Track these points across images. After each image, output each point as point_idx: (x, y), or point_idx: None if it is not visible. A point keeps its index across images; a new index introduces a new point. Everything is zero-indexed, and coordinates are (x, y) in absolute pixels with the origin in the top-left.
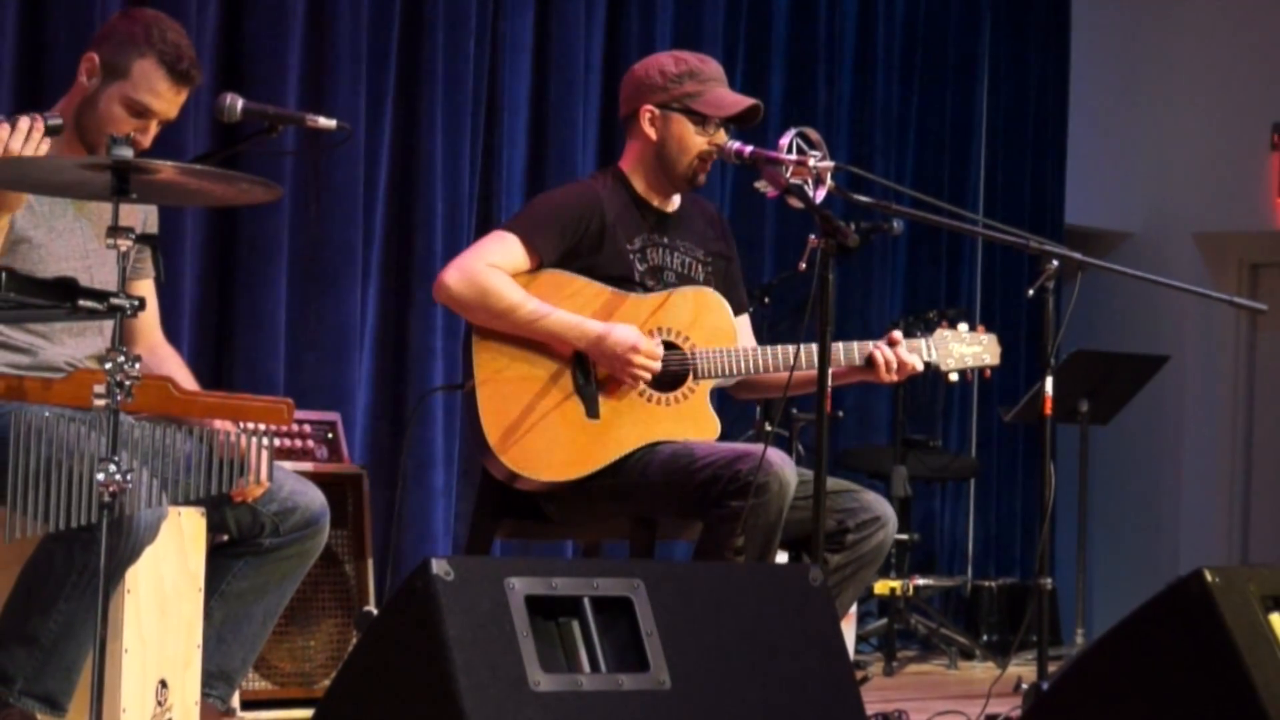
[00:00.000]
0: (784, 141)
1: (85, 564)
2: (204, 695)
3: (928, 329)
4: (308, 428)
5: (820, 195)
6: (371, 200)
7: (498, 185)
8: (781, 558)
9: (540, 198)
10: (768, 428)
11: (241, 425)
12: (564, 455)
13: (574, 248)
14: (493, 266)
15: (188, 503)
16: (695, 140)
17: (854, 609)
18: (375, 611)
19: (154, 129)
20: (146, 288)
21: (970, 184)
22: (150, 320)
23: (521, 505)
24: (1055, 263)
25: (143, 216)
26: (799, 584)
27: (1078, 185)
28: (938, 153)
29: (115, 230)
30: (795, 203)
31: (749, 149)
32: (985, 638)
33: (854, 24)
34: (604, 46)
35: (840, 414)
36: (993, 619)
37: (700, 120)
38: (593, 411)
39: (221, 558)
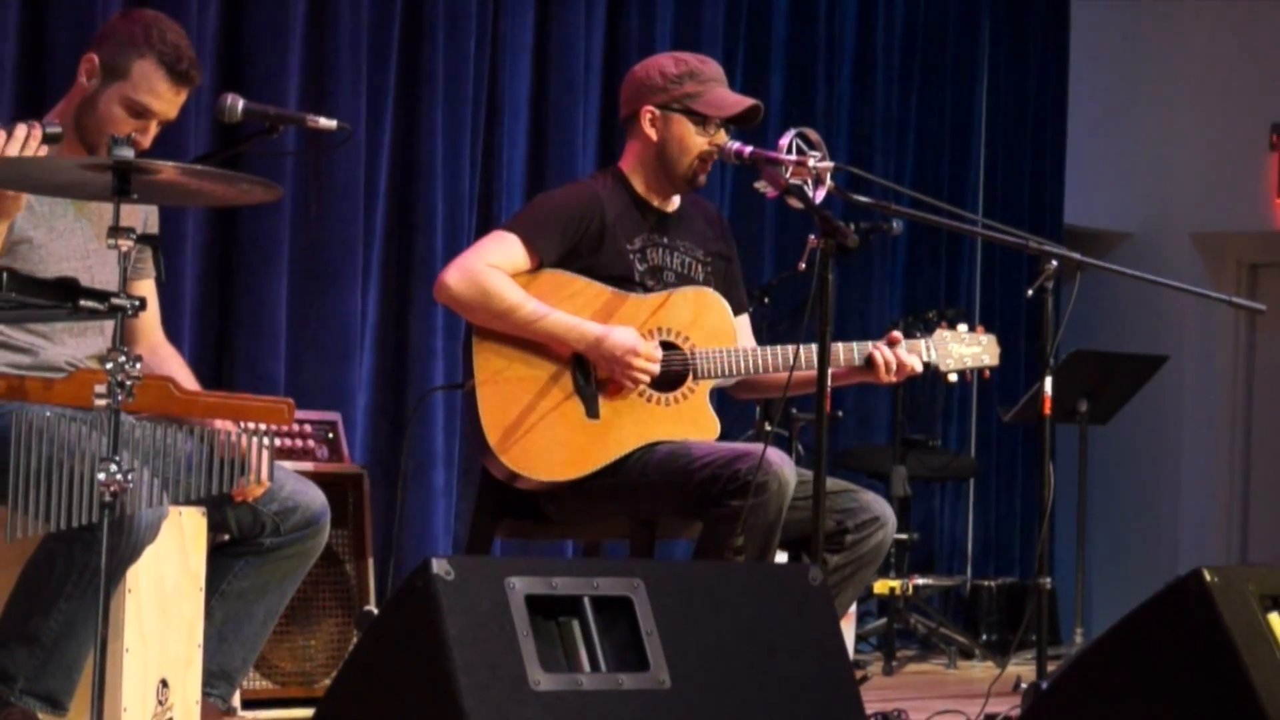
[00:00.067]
0: (784, 142)
1: (86, 563)
2: (205, 694)
3: (927, 329)
4: (308, 427)
5: (820, 195)
6: (372, 200)
7: (498, 185)
8: (781, 557)
9: (540, 198)
10: (767, 428)
11: (242, 425)
12: (564, 455)
13: (574, 248)
14: (493, 267)
15: (189, 502)
16: (695, 141)
17: (853, 609)
18: (376, 611)
19: (154, 129)
20: (147, 288)
21: (969, 184)
22: (151, 320)
23: (521, 505)
24: (1054, 263)
25: (143, 217)
26: (798, 584)
27: (1077, 185)
28: (937, 153)
29: (116, 230)
30: (795, 203)
31: (749, 149)
32: (984, 637)
33: (854, 25)
34: (604, 47)
35: (840, 414)
36: (992, 618)
37: (700, 120)
38: (592, 411)
39: (222, 557)
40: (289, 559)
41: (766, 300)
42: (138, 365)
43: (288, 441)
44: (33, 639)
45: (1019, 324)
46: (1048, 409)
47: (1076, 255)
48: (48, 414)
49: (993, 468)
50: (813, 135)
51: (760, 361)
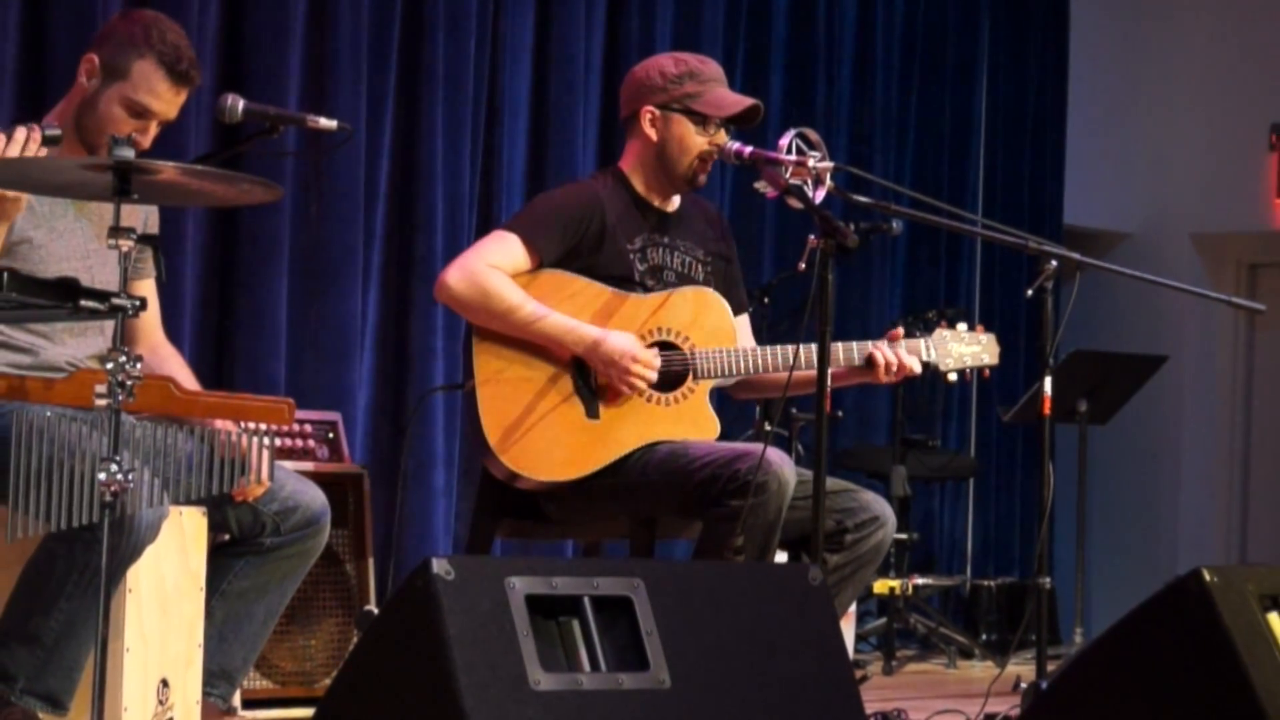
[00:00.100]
0: (783, 142)
1: (87, 563)
2: (205, 694)
3: (927, 329)
4: (309, 427)
5: (820, 196)
6: (372, 200)
7: (498, 185)
8: (781, 557)
9: (541, 197)
10: (767, 427)
11: (242, 425)
12: (564, 455)
13: (574, 247)
14: (494, 267)
15: (189, 502)
16: (696, 140)
17: (853, 608)
18: (376, 611)
19: (154, 129)
20: (147, 287)
21: (969, 184)
22: (151, 320)
23: (522, 505)
24: (1054, 263)
25: (143, 217)
26: (798, 583)
27: (1076, 185)
28: (937, 153)
29: (117, 230)
30: (795, 203)
31: (749, 150)
32: (984, 637)
33: (853, 25)
34: (604, 47)
35: (840, 414)
36: (991, 618)
37: (700, 120)
38: (592, 412)
39: (223, 557)
40: (289, 559)
41: (766, 300)
42: (138, 365)
43: (288, 441)
44: (33, 639)
45: (1019, 324)
46: (1047, 409)
47: (1076, 255)
48: (48, 414)
49: (992, 468)
50: (812, 135)
51: (760, 361)
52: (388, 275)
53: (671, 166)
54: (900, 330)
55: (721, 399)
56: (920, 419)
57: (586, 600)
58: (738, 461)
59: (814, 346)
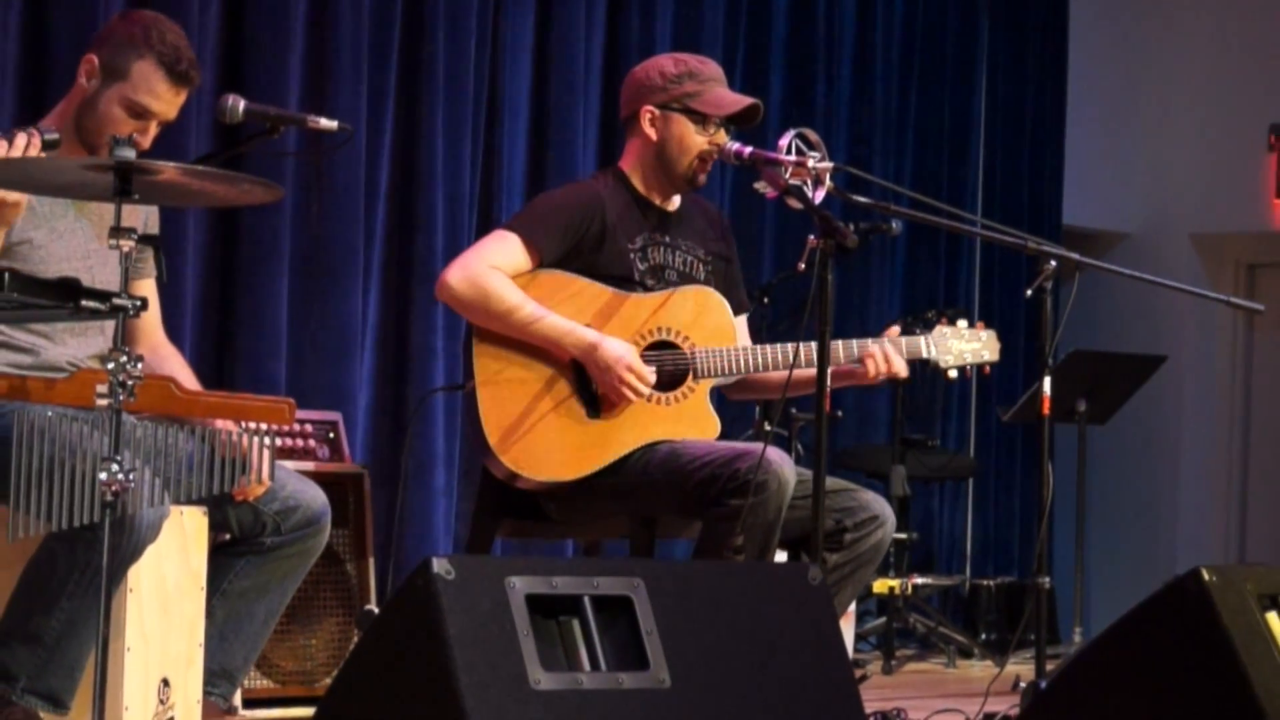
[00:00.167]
0: (783, 142)
1: (88, 563)
2: (206, 693)
3: (926, 328)
4: (309, 427)
5: (819, 196)
6: (372, 200)
7: (498, 185)
8: (780, 557)
9: (541, 197)
10: (767, 427)
11: (243, 425)
12: (564, 455)
13: (575, 247)
14: (494, 268)
15: (190, 502)
16: (695, 140)
17: (853, 608)
18: (376, 610)
19: (154, 130)
20: (148, 287)
21: (968, 184)
22: (152, 320)
23: (522, 505)
24: (1053, 263)
25: (143, 217)
26: (798, 583)
27: (1075, 186)
28: (936, 153)
29: (118, 231)
30: (794, 203)
31: (748, 150)
32: (983, 636)
33: (853, 25)
34: (604, 47)
35: (839, 413)
36: (991, 618)
37: (700, 120)
38: (592, 412)
39: (223, 556)
40: (290, 558)
41: (766, 300)
42: (139, 365)
43: (289, 441)
44: (34, 638)
45: (1018, 324)
46: (1046, 409)
47: (1075, 255)
48: (49, 414)
49: (992, 467)
50: (812, 136)
51: (760, 360)
52: (388, 275)
53: (671, 166)
54: (897, 328)
55: (721, 398)
56: (920, 419)
57: (586, 600)
58: (738, 461)
59: (814, 345)
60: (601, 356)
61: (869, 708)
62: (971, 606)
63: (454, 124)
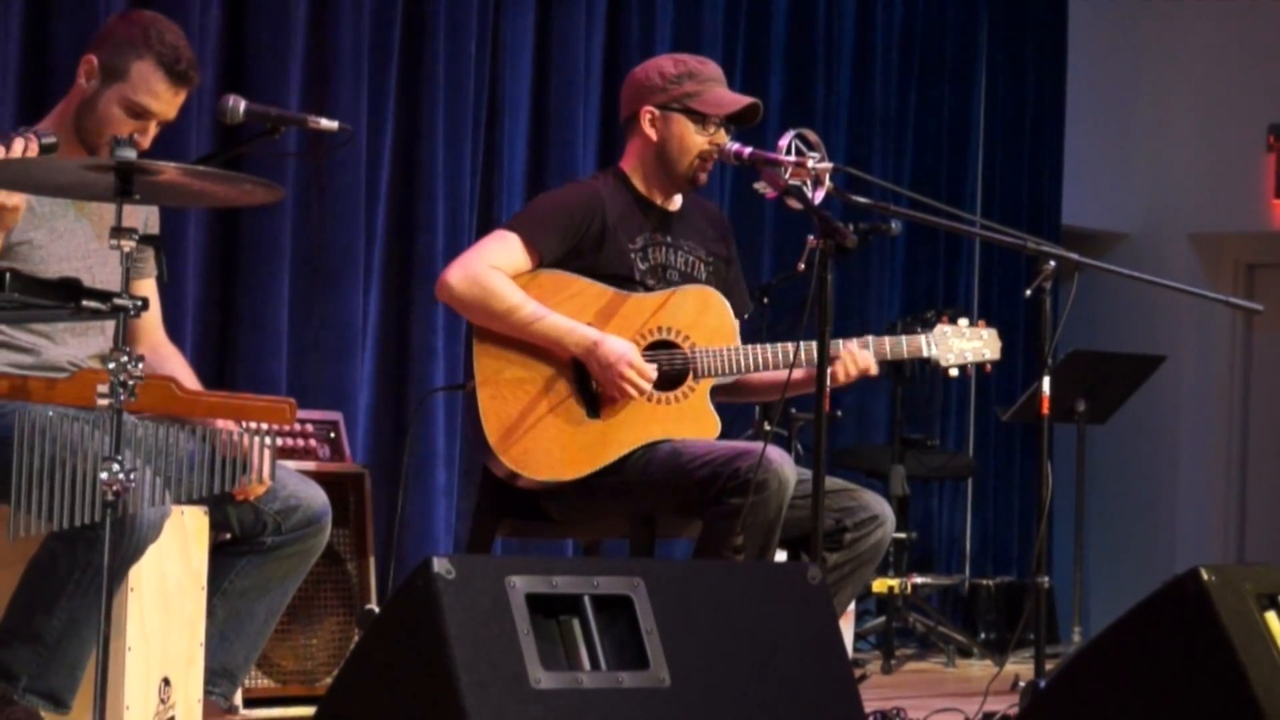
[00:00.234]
0: (783, 143)
1: (89, 562)
2: (207, 693)
3: (926, 328)
4: (310, 427)
5: (819, 196)
6: (373, 201)
7: (498, 186)
8: (780, 556)
9: (541, 197)
10: (767, 427)
11: (244, 425)
12: (564, 455)
13: (575, 247)
14: (494, 268)
15: (190, 501)
16: (695, 140)
17: (852, 607)
18: (377, 610)
19: (153, 130)
20: (148, 287)
21: (968, 185)
22: (153, 320)
23: (522, 504)
24: (1052, 263)
25: (143, 217)
26: (798, 582)
27: (1074, 186)
28: (935, 154)
29: (119, 231)
30: (794, 204)
31: (748, 150)
32: (983, 636)
33: (852, 26)
34: (604, 48)
35: (839, 413)
36: (990, 617)
37: (700, 119)
38: (593, 411)
39: (224, 556)
40: (290, 558)
41: (766, 300)
42: (140, 365)
43: (289, 441)
44: (36, 637)
45: (1017, 324)
46: (1046, 408)
47: (1074, 256)
48: (50, 413)
49: (991, 467)
50: (811, 136)
51: (760, 359)
52: (389, 275)
53: (672, 166)
54: (869, 337)
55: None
56: (919, 419)
57: (587, 599)
58: (738, 460)
59: (813, 344)
60: (603, 354)
61: (868, 707)
62: (971, 606)
63: (454, 124)
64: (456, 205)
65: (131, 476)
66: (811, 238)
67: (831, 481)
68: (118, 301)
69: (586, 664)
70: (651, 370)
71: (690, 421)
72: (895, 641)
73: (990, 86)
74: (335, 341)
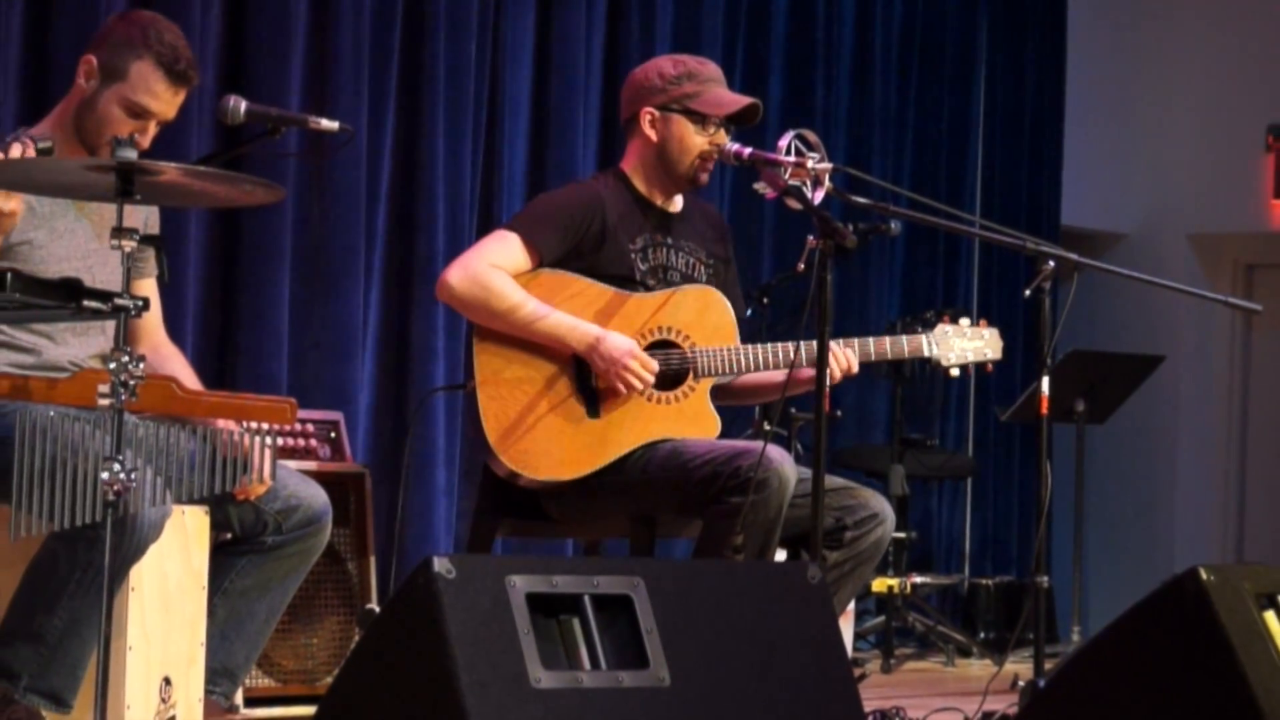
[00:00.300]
0: (782, 143)
1: (90, 562)
2: (207, 692)
3: (927, 328)
4: (310, 427)
5: (818, 196)
6: (373, 201)
7: (499, 186)
8: (780, 555)
9: (542, 197)
10: (767, 426)
11: (245, 424)
12: (564, 454)
13: (575, 247)
14: (495, 267)
15: (191, 501)
16: (696, 140)
17: (852, 606)
18: (377, 609)
19: (153, 130)
20: (149, 287)
21: (967, 185)
22: (153, 320)
23: (523, 504)
24: (1051, 263)
25: (144, 217)
26: (797, 581)
27: (1074, 186)
28: (935, 154)
29: (119, 231)
30: (793, 204)
31: (748, 150)
32: (982, 635)
33: (852, 26)
34: (604, 48)
35: (838, 413)
36: (990, 617)
37: (700, 120)
38: (593, 411)
39: (225, 555)
40: (291, 557)
41: (766, 300)
42: (141, 365)
43: (290, 441)
44: (37, 637)
45: (1016, 324)
46: (1045, 408)
47: (1073, 256)
48: (51, 413)
49: (990, 467)
50: (811, 136)
51: (760, 359)
52: (389, 275)
53: (672, 166)
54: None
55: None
56: (919, 418)
57: (587, 599)
58: (738, 459)
59: (813, 344)
60: (606, 349)
61: (868, 706)
62: (970, 605)
63: (454, 124)
64: (456, 205)
65: (132, 476)
66: (811, 238)
67: (831, 480)
68: (118, 301)
69: (587, 663)
70: (654, 365)
71: (690, 421)
72: (895, 641)
73: (990, 86)
74: (335, 341)
